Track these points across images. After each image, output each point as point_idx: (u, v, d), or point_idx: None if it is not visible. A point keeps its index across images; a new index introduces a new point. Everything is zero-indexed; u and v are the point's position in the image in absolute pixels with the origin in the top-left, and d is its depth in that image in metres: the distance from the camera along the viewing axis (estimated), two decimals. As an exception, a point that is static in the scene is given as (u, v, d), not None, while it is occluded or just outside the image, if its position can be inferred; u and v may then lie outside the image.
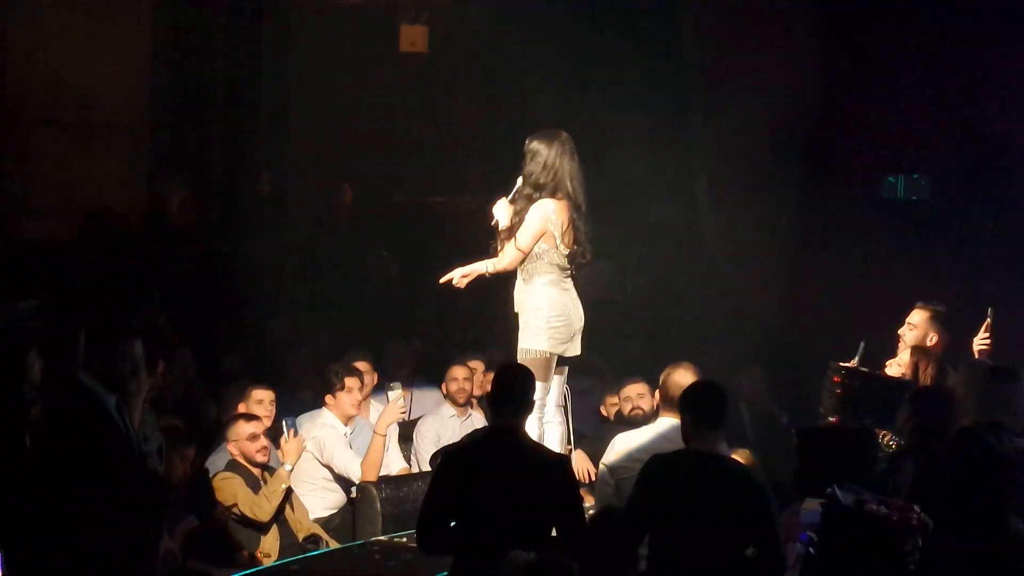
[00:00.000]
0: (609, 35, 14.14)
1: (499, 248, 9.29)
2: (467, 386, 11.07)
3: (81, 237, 13.87)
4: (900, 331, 9.68)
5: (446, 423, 10.97)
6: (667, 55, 14.11)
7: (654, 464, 7.28)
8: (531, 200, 9.18)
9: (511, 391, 7.45)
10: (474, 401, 11.24)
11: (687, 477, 7.11)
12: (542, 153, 9.18)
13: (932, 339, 9.56)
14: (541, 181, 9.17)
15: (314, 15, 15.96)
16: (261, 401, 10.26)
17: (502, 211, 9.27)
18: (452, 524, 7.34)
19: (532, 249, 9.17)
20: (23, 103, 14.47)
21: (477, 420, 11.04)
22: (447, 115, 15.58)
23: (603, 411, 11.48)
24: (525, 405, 7.48)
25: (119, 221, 14.18)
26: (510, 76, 14.98)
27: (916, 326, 9.63)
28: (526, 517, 7.17)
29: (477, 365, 11.26)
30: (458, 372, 11.16)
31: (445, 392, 11.25)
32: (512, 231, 9.20)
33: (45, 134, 14.48)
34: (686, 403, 7.32)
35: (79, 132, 14.55)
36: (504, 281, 9.45)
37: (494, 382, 7.59)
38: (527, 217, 9.15)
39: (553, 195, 9.18)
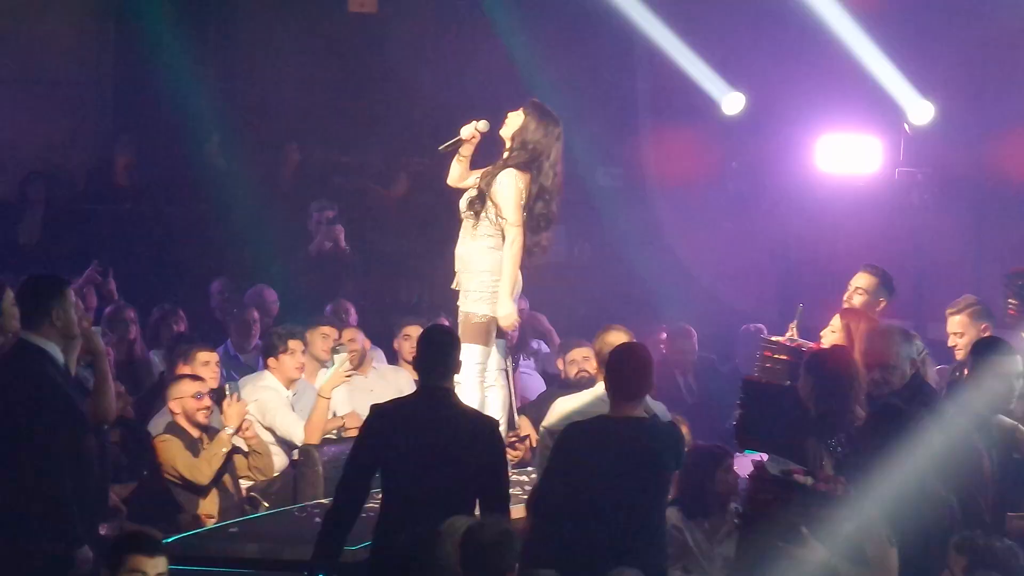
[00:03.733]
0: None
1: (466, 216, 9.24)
2: (354, 346, 11.00)
3: (23, 195, 13.79)
4: (846, 296, 9.65)
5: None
6: (613, 20, 14.07)
7: (572, 432, 7.34)
8: (506, 164, 9.16)
9: (439, 353, 7.45)
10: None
11: (606, 443, 7.17)
12: (540, 131, 9.17)
13: (881, 303, 9.58)
14: (526, 150, 9.15)
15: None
16: (207, 363, 10.19)
17: (469, 131, 9.26)
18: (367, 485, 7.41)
19: (522, 217, 9.12)
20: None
21: (403, 377, 11.03)
22: (397, 77, 15.50)
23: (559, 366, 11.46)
24: (453, 366, 7.49)
25: (62, 179, 14.10)
26: (461, 37, 14.94)
27: (866, 291, 9.62)
28: (452, 478, 7.21)
29: (413, 331, 11.13)
30: (346, 334, 11.08)
31: None
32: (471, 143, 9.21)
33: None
34: (608, 369, 7.39)
35: (23, 90, 14.44)
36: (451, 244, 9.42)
37: (420, 344, 7.58)
38: (503, 192, 9.10)
39: (527, 168, 9.17)
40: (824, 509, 7.00)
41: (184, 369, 10.11)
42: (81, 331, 7.62)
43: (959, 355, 9.23)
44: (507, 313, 9.10)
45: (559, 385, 10.92)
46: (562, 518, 7.14)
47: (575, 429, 7.40)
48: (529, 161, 9.16)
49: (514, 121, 9.23)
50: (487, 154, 9.39)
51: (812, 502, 7.03)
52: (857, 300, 9.59)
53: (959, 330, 9.31)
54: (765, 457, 7.37)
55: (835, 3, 13.18)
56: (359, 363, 10.91)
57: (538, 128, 9.19)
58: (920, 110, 13.14)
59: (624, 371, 7.35)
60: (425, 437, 7.28)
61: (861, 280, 9.68)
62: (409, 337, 11.07)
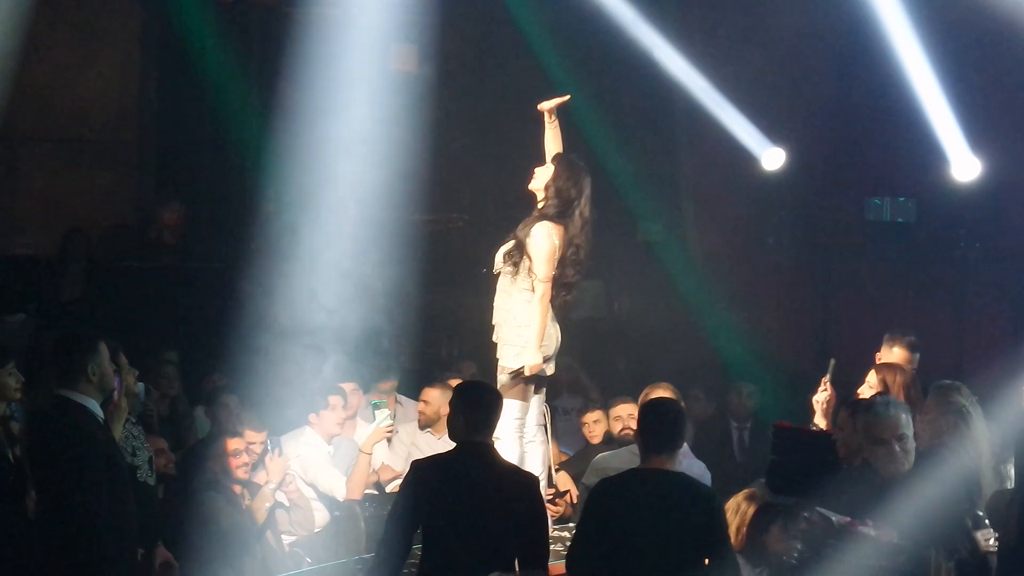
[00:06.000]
0: (597, 55, 14.17)
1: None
2: (427, 410, 11.00)
3: (65, 252, 13.87)
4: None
5: (417, 436, 10.95)
6: (654, 73, 14.11)
7: (603, 486, 7.33)
8: (542, 215, 9.23)
9: (480, 408, 7.45)
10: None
11: (635, 496, 7.15)
12: (570, 180, 9.27)
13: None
14: (560, 198, 9.23)
15: (303, 32, 15.96)
16: (252, 443, 10.12)
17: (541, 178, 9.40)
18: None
19: (552, 272, 9.19)
20: (10, 120, 14.46)
21: None
22: (436, 134, 15.57)
23: (585, 431, 11.44)
24: (494, 422, 7.49)
25: (104, 236, 14.18)
26: (498, 95, 15.01)
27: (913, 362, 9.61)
28: (491, 534, 7.20)
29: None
30: (426, 394, 11.11)
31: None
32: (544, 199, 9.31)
33: (33, 150, 14.48)
34: (638, 423, 7.40)
35: (67, 148, 14.56)
36: (491, 298, 9.46)
37: (461, 400, 7.54)
38: (537, 244, 9.17)
39: (560, 219, 9.23)
40: (883, 556, 7.05)
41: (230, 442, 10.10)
42: (125, 389, 7.68)
43: None
44: (534, 363, 9.14)
45: (604, 441, 10.91)
46: (595, 572, 7.12)
47: (605, 484, 7.40)
48: (563, 211, 9.23)
49: (543, 174, 9.33)
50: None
51: (872, 551, 7.07)
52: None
53: None
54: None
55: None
56: (435, 423, 10.95)
57: (569, 177, 9.27)
58: (967, 166, 13.10)
59: (653, 425, 7.33)
60: (465, 493, 7.28)
61: (900, 353, 9.67)
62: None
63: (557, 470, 10.33)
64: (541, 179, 9.35)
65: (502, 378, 9.16)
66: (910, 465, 7.50)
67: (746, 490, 8.81)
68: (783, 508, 8.24)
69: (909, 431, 7.54)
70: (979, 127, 13.09)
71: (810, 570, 7.39)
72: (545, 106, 9.56)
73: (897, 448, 7.47)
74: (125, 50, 14.57)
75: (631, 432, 10.38)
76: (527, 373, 9.14)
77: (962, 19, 12.98)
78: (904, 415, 7.58)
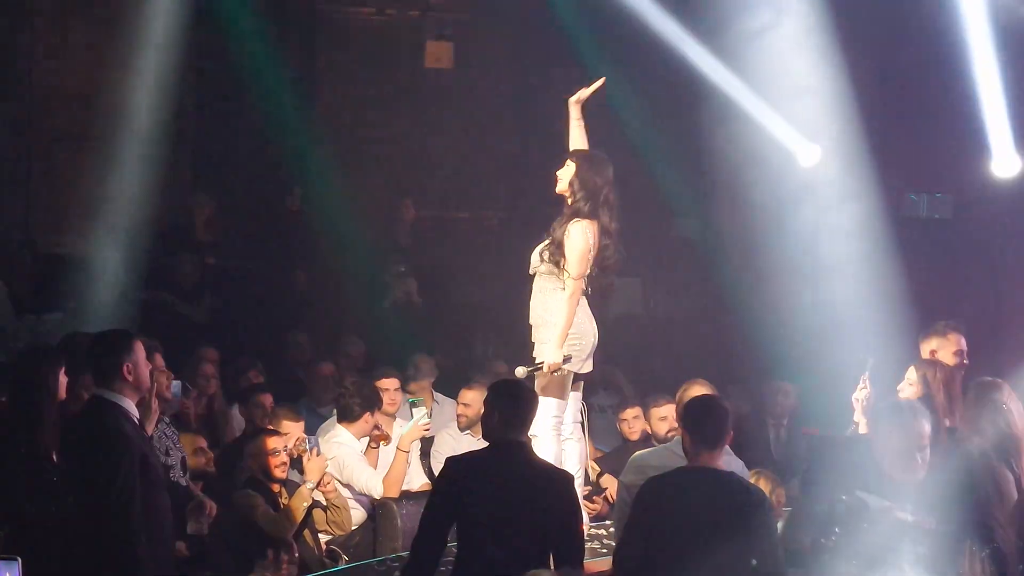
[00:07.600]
0: (632, 52, 14.14)
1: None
2: (468, 412, 11.00)
3: (105, 251, 13.92)
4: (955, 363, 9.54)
5: (461, 439, 10.97)
6: (687, 71, 14.08)
7: (652, 484, 7.33)
8: (573, 215, 9.22)
9: (515, 406, 7.46)
10: None
11: (685, 494, 7.16)
12: (594, 170, 9.26)
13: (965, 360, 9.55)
14: (587, 190, 9.22)
15: (340, 31, 16.02)
16: (288, 433, 10.16)
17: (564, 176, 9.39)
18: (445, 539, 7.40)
19: (586, 270, 9.18)
20: (47, 119, 14.54)
21: None
22: (471, 131, 15.60)
23: (624, 428, 11.42)
24: (529, 420, 7.49)
25: (143, 235, 14.23)
26: (534, 92, 15.02)
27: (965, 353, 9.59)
28: (527, 531, 7.21)
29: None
30: (465, 396, 11.11)
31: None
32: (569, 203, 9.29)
33: (69, 149, 14.54)
34: (684, 420, 7.39)
35: (105, 147, 14.61)
36: (526, 297, 9.47)
37: (496, 398, 7.54)
38: (574, 243, 9.17)
39: (591, 216, 9.23)
40: (919, 544, 7.05)
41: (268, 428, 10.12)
42: (156, 391, 7.70)
43: None
44: (553, 361, 9.12)
45: (642, 438, 10.90)
46: (645, 571, 7.13)
47: (654, 482, 7.40)
48: (594, 205, 9.22)
49: (566, 173, 9.31)
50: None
51: (909, 537, 7.08)
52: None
53: None
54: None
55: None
56: (475, 424, 10.91)
57: (591, 167, 9.26)
58: (1008, 162, 13.02)
59: (700, 422, 7.34)
60: (499, 491, 7.29)
61: (958, 340, 9.63)
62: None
63: (600, 473, 10.34)
64: (565, 178, 9.34)
65: (540, 379, 9.16)
66: (924, 472, 7.48)
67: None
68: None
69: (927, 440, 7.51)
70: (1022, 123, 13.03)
71: (846, 554, 7.39)
72: (582, 95, 9.50)
73: (918, 458, 7.45)
74: (161, 49, 14.61)
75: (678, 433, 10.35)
76: (546, 370, 9.14)
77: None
78: (927, 424, 7.54)
